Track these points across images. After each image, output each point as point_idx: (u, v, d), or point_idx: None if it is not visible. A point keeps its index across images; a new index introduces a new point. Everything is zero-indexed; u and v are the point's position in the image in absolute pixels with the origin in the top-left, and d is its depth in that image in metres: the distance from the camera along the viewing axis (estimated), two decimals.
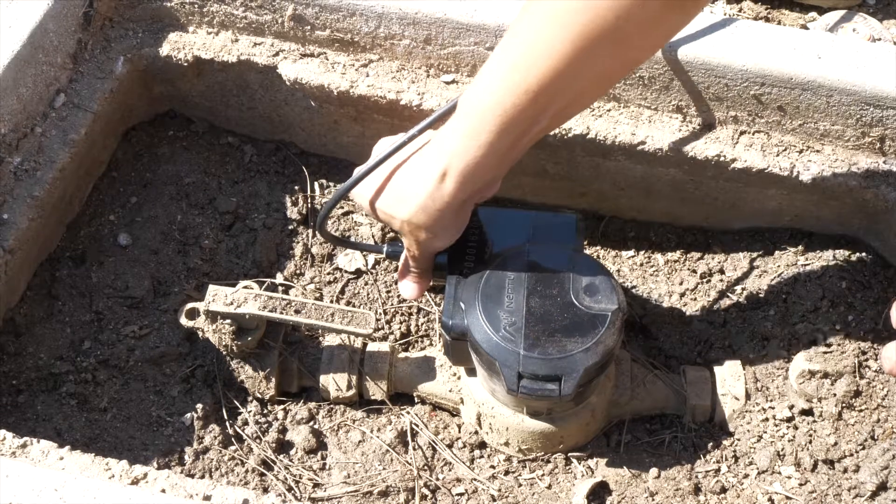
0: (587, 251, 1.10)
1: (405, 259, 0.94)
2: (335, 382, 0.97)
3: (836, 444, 0.91)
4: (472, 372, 0.94)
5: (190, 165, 1.14)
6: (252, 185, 1.13)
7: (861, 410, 0.92)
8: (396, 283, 0.99)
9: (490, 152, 0.79)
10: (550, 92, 0.75)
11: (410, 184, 0.84)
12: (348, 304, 1.06)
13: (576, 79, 0.75)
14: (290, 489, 0.92)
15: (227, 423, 0.96)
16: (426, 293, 1.07)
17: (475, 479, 0.93)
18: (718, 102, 0.99)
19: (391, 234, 1.10)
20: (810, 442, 0.92)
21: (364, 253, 1.09)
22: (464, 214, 0.86)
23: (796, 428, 0.94)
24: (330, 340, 1.01)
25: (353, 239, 1.10)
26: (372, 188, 0.87)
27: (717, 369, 0.98)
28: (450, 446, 0.96)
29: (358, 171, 0.87)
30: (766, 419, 0.95)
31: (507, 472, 0.94)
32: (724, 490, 0.92)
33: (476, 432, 0.97)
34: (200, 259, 1.07)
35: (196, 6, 1.07)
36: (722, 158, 1.00)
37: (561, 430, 0.92)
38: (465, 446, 0.97)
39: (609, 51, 0.73)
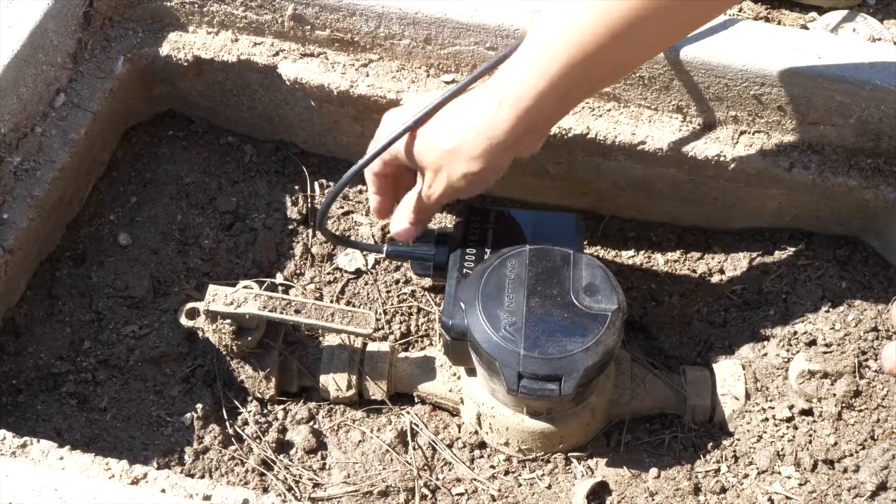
0: (587, 251, 1.10)
1: (412, 199, 0.90)
2: (335, 382, 0.97)
3: (835, 444, 0.91)
4: (472, 372, 0.94)
5: (190, 165, 1.14)
6: (252, 185, 1.13)
7: (861, 410, 0.92)
8: (389, 220, 0.95)
9: (552, 90, 0.78)
10: (622, 39, 0.75)
11: (463, 113, 0.82)
12: (348, 303, 1.06)
13: (654, 28, 0.76)
14: (290, 489, 0.92)
15: (227, 423, 0.96)
16: (426, 293, 1.07)
17: (475, 479, 0.93)
18: (718, 102, 0.99)
19: (391, 234, 1.10)
20: (810, 442, 0.92)
21: (364, 253, 1.09)
22: (506, 159, 0.83)
23: (796, 428, 0.94)
24: (330, 340, 1.01)
25: (352, 238, 1.10)
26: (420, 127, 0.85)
27: (716, 369, 0.98)
28: (450, 446, 0.96)
29: (388, 135, 0.86)
30: (766, 419, 0.95)
31: (506, 472, 0.94)
32: (723, 490, 0.92)
33: (476, 432, 0.97)
34: (200, 259, 1.07)
35: (196, 6, 1.07)
36: (722, 158, 1.00)
37: (561, 430, 0.92)
38: (464, 446, 0.97)
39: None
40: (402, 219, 0.92)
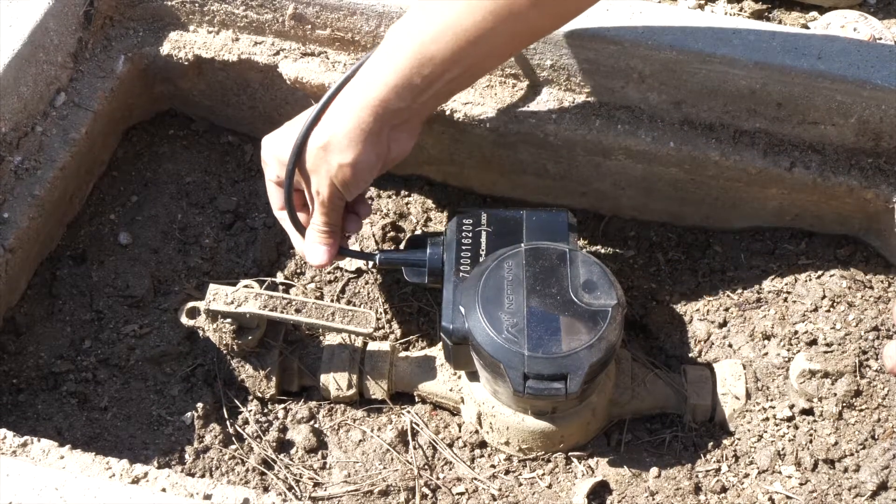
0: (588, 250, 1.10)
1: (315, 217, 0.93)
2: (335, 381, 0.97)
3: (836, 443, 0.91)
4: (473, 376, 0.94)
5: (190, 164, 1.14)
6: (252, 184, 1.13)
7: (861, 410, 0.92)
8: (304, 251, 0.96)
9: (402, 81, 0.84)
10: (473, 39, 0.82)
11: (330, 113, 0.88)
12: (349, 303, 1.06)
13: (498, 33, 0.82)
14: (290, 488, 0.92)
15: (228, 423, 0.96)
16: (427, 293, 1.06)
17: (475, 479, 0.93)
18: (718, 101, 0.99)
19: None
20: (811, 441, 0.92)
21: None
22: (379, 148, 0.87)
23: (797, 427, 0.94)
24: (330, 339, 1.01)
25: (352, 239, 1.10)
26: (287, 143, 0.90)
27: (717, 369, 0.98)
28: (450, 445, 0.96)
29: (292, 139, 0.89)
30: (767, 419, 0.95)
31: (507, 472, 0.94)
32: (724, 489, 0.92)
33: (476, 431, 0.97)
34: (201, 258, 1.07)
35: (197, 5, 1.07)
36: (722, 157, 1.00)
37: (561, 429, 0.92)
38: (465, 446, 0.97)
39: (534, 11, 0.82)
40: (313, 243, 0.94)
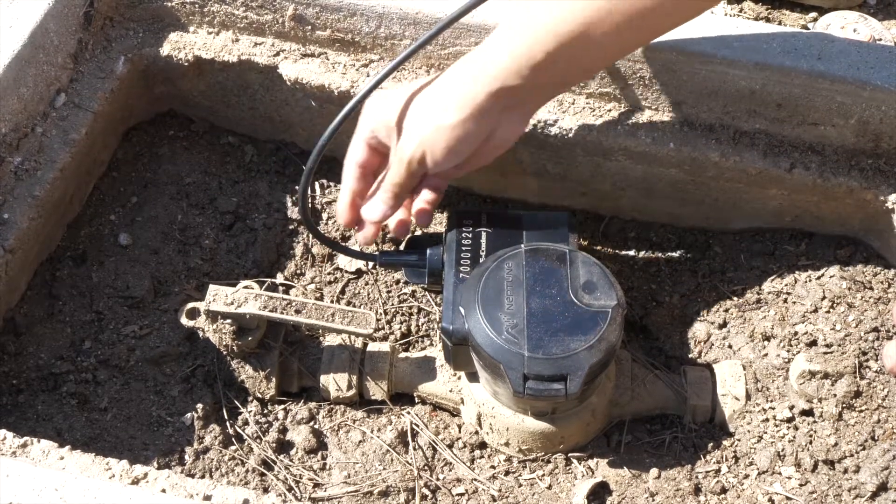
0: (588, 251, 1.10)
1: (389, 175, 0.90)
2: (335, 382, 0.97)
3: (836, 444, 0.91)
4: (473, 377, 0.94)
5: (190, 165, 1.14)
6: (252, 185, 1.13)
7: (861, 411, 0.92)
8: (341, 209, 0.94)
9: (524, 54, 0.80)
10: (593, 36, 0.79)
11: (441, 81, 0.84)
12: (349, 304, 1.06)
13: (644, 18, 0.80)
14: (290, 489, 0.92)
15: (228, 423, 0.96)
16: (427, 293, 1.06)
17: (475, 480, 0.93)
18: (718, 101, 0.99)
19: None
20: (810, 442, 0.92)
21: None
22: (484, 122, 0.84)
23: (796, 428, 0.94)
24: (330, 340, 1.01)
25: (352, 241, 1.10)
26: (389, 101, 0.88)
27: (717, 369, 0.98)
28: (450, 446, 0.96)
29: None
30: (767, 419, 0.95)
31: (507, 473, 0.94)
32: (724, 490, 0.92)
33: (476, 432, 0.97)
34: (201, 259, 1.07)
35: (197, 6, 1.07)
36: (722, 158, 1.00)
37: (561, 430, 0.92)
38: (465, 446, 0.97)
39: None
40: (376, 200, 0.91)
